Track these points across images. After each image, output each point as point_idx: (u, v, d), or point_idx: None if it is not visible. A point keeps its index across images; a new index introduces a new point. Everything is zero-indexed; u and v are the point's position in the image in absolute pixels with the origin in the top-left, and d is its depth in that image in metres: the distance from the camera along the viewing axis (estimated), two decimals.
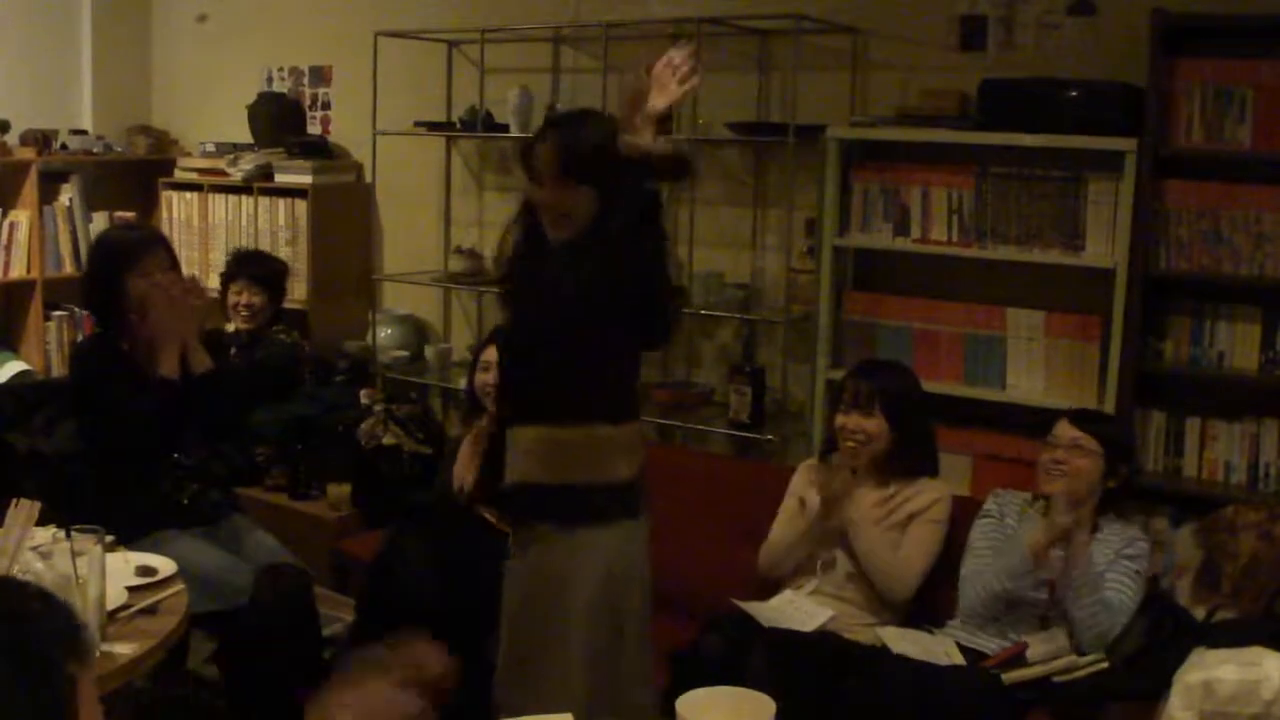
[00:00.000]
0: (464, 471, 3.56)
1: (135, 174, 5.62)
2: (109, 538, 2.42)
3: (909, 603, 3.16)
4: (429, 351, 4.91)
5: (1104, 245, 3.50)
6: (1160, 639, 2.85)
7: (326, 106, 5.38)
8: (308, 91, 5.42)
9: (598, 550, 2.62)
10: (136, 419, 3.14)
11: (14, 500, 2.39)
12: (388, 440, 4.25)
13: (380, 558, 3.32)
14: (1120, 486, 3.10)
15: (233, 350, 4.27)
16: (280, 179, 5.10)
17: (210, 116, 5.64)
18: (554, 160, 2.56)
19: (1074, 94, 3.46)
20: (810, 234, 4.01)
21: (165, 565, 2.73)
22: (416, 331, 5.07)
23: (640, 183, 2.49)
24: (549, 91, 4.61)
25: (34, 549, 2.32)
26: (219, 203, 5.29)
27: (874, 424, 3.20)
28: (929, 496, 3.20)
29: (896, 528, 3.19)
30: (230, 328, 4.56)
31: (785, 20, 3.95)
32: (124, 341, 3.23)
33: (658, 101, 2.47)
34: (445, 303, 5.09)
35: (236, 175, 5.18)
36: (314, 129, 5.36)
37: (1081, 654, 2.90)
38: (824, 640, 2.98)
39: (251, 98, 5.36)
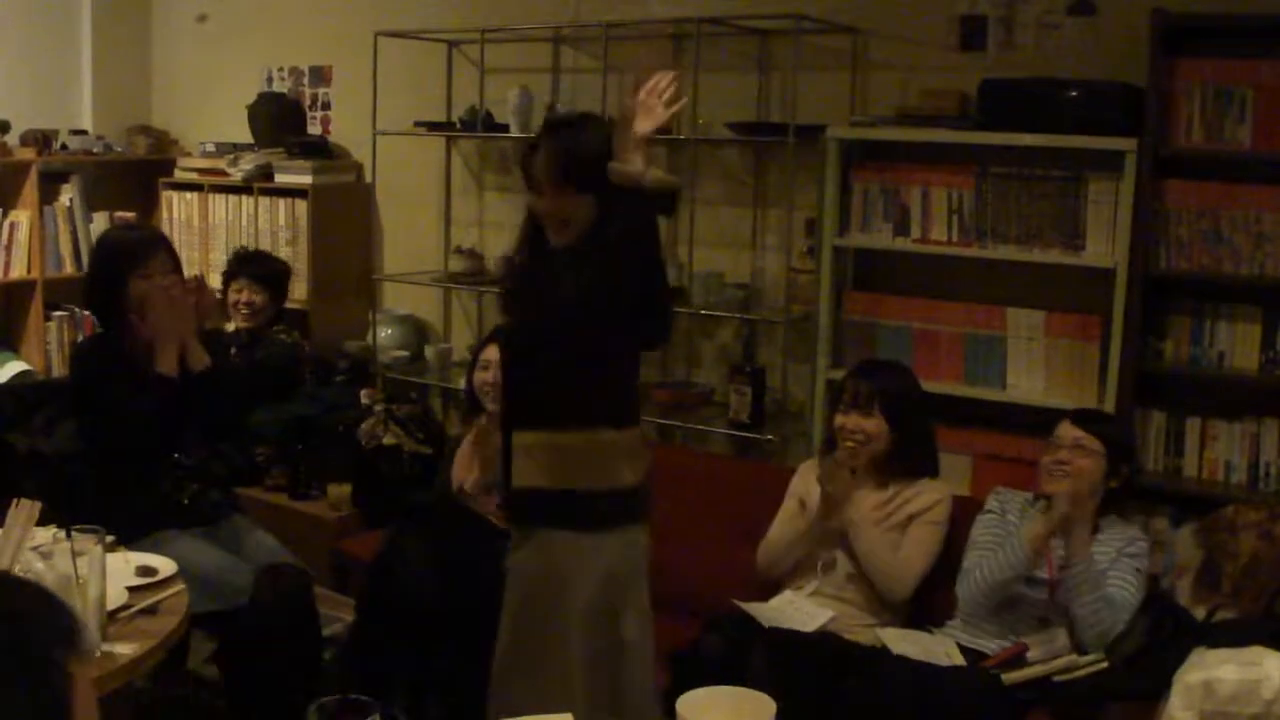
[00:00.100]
0: (464, 471, 3.56)
1: (135, 174, 5.62)
2: (109, 538, 2.42)
3: (909, 603, 3.16)
4: (429, 351, 4.92)
5: (1104, 245, 3.50)
6: (1160, 639, 2.85)
7: (326, 106, 5.38)
8: (308, 91, 5.42)
9: (601, 554, 2.62)
10: (136, 419, 3.14)
11: (14, 500, 2.39)
12: (388, 440, 4.25)
13: (380, 558, 3.32)
14: (1122, 487, 3.10)
15: (233, 350, 4.27)
16: (280, 179, 5.10)
17: (210, 116, 5.64)
18: (552, 167, 2.56)
19: (1074, 94, 3.46)
20: (810, 234, 4.01)
21: (165, 565, 2.72)
22: (416, 331, 5.07)
23: (633, 209, 2.49)
24: (549, 91, 4.61)
25: (34, 549, 2.32)
26: (219, 203, 5.29)
27: (873, 424, 3.20)
28: (929, 497, 3.21)
29: (897, 528, 3.19)
30: (230, 327, 4.56)
31: (785, 20, 3.95)
32: (125, 342, 3.23)
33: (644, 125, 2.46)
34: (445, 303, 5.09)
35: (237, 175, 5.18)
36: (314, 129, 5.36)
37: (1082, 654, 2.90)
38: (824, 641, 2.98)
39: (251, 98, 5.36)
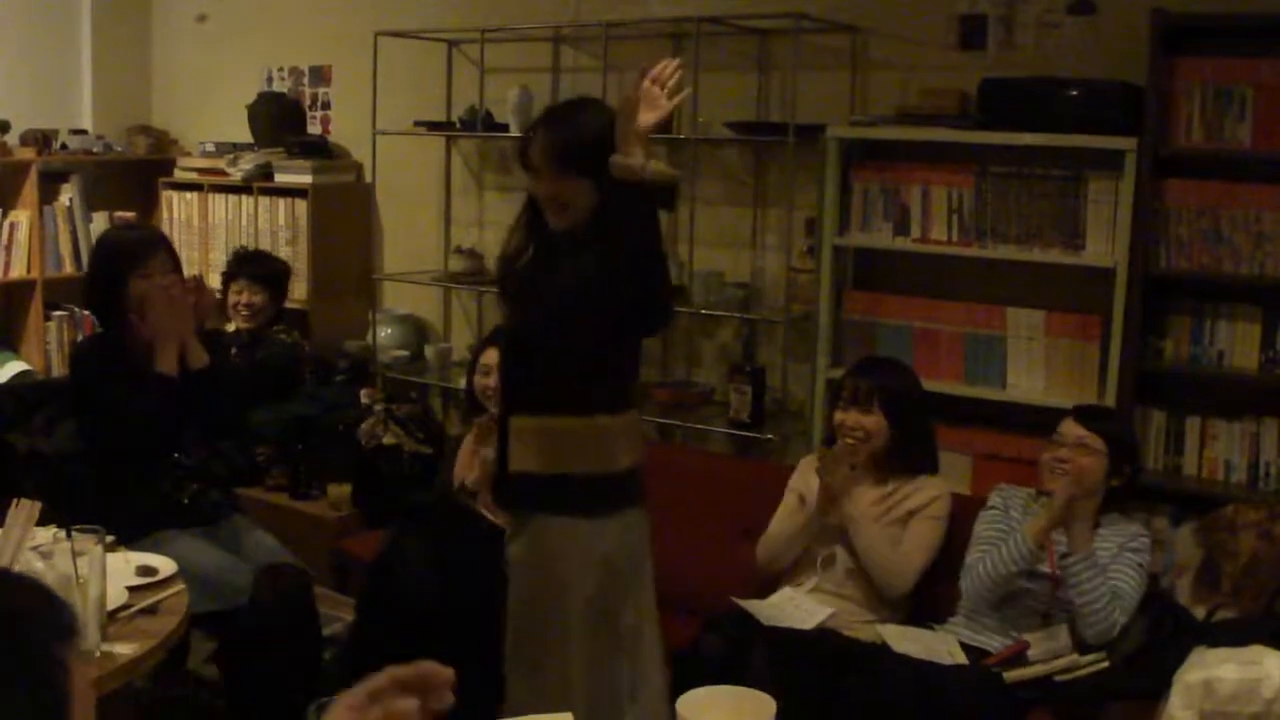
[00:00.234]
0: (464, 471, 3.56)
1: (135, 174, 5.62)
2: (109, 537, 2.42)
3: (909, 599, 3.16)
4: (429, 351, 4.92)
5: (1104, 244, 3.50)
6: (1160, 638, 2.85)
7: (326, 106, 5.38)
8: (308, 91, 5.42)
9: (599, 540, 2.61)
10: (136, 418, 3.14)
11: (14, 500, 2.39)
12: (388, 440, 4.25)
13: (380, 558, 3.32)
14: (1124, 485, 3.10)
15: (233, 350, 4.27)
16: (280, 179, 5.10)
17: (210, 116, 5.64)
18: (550, 151, 2.56)
19: (1074, 93, 3.46)
20: (810, 233, 4.01)
21: (165, 565, 2.72)
22: (416, 331, 5.07)
23: (633, 204, 2.48)
24: (549, 91, 4.61)
25: (34, 549, 2.32)
26: (219, 203, 5.29)
27: (873, 421, 3.20)
28: (928, 494, 3.21)
29: (896, 524, 3.19)
30: (231, 327, 4.56)
31: (785, 19, 3.95)
32: (125, 342, 3.23)
33: (647, 117, 2.43)
34: (445, 302, 5.09)
35: (236, 175, 5.18)
36: (314, 129, 5.36)
37: (1083, 652, 2.90)
38: (824, 638, 2.98)
39: (251, 97, 5.36)
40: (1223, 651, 2.44)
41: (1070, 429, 3.10)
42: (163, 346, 3.17)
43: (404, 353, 4.93)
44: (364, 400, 4.57)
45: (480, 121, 4.60)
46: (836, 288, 3.93)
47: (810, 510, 3.20)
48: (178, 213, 5.42)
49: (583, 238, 2.55)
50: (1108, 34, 3.61)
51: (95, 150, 5.47)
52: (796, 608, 3.13)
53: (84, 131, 5.52)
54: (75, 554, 2.25)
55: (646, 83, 2.45)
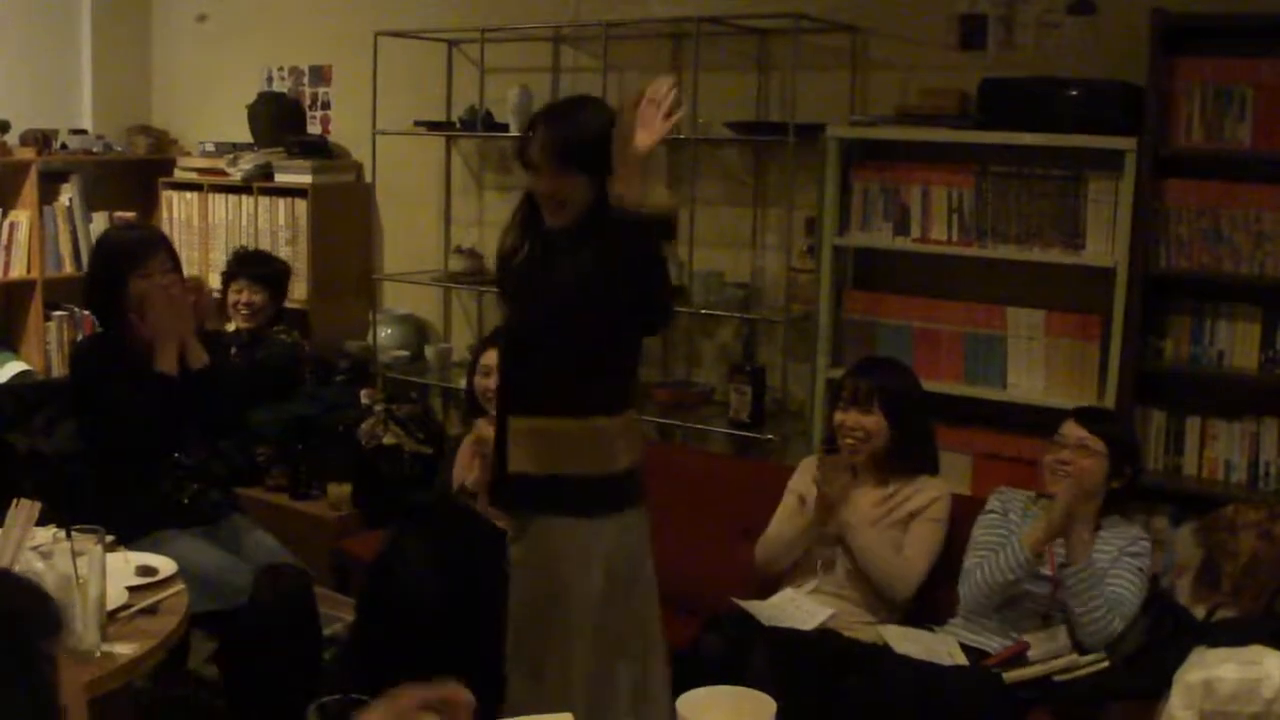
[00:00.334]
0: (464, 471, 3.56)
1: (135, 174, 5.62)
2: (109, 537, 2.42)
3: (910, 601, 3.16)
4: (429, 351, 4.92)
5: (1104, 244, 3.50)
6: (1160, 638, 2.85)
7: (326, 106, 5.38)
8: (307, 91, 5.42)
9: (599, 540, 2.60)
10: (136, 418, 3.14)
11: (14, 500, 2.39)
12: (388, 440, 4.25)
13: (380, 558, 3.32)
14: (1124, 487, 3.10)
15: (233, 350, 4.27)
16: (280, 179, 5.10)
17: (210, 116, 5.64)
18: (550, 148, 2.56)
19: (1074, 93, 3.46)
20: (810, 233, 4.01)
21: (165, 565, 2.72)
22: (417, 331, 5.07)
23: (636, 244, 2.46)
24: (549, 91, 4.61)
25: (34, 549, 2.32)
26: (219, 202, 5.29)
27: (872, 421, 3.20)
28: (929, 495, 3.21)
29: (897, 526, 3.19)
30: (231, 327, 4.56)
31: (785, 19, 3.95)
32: (125, 341, 3.23)
33: (644, 139, 2.41)
34: (445, 302, 5.09)
35: (236, 175, 5.18)
36: (314, 129, 5.36)
37: (1083, 653, 2.90)
38: (824, 639, 2.98)
39: (251, 97, 5.36)
40: (1223, 651, 2.44)
41: (1071, 430, 3.10)
42: (162, 346, 3.17)
43: (404, 353, 4.93)
44: (364, 400, 4.57)
45: (480, 121, 4.60)
46: (836, 287, 3.93)
47: (809, 513, 3.20)
48: (178, 213, 5.42)
49: (581, 235, 2.55)
50: (1108, 34, 3.61)
51: (95, 150, 5.46)
52: (797, 608, 3.13)
53: (84, 131, 5.52)
54: (75, 554, 2.25)
55: (643, 104, 2.42)
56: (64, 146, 5.38)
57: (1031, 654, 2.91)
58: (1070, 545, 2.93)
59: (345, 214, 5.11)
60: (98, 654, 2.28)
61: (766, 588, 3.27)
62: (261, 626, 3.07)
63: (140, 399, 3.14)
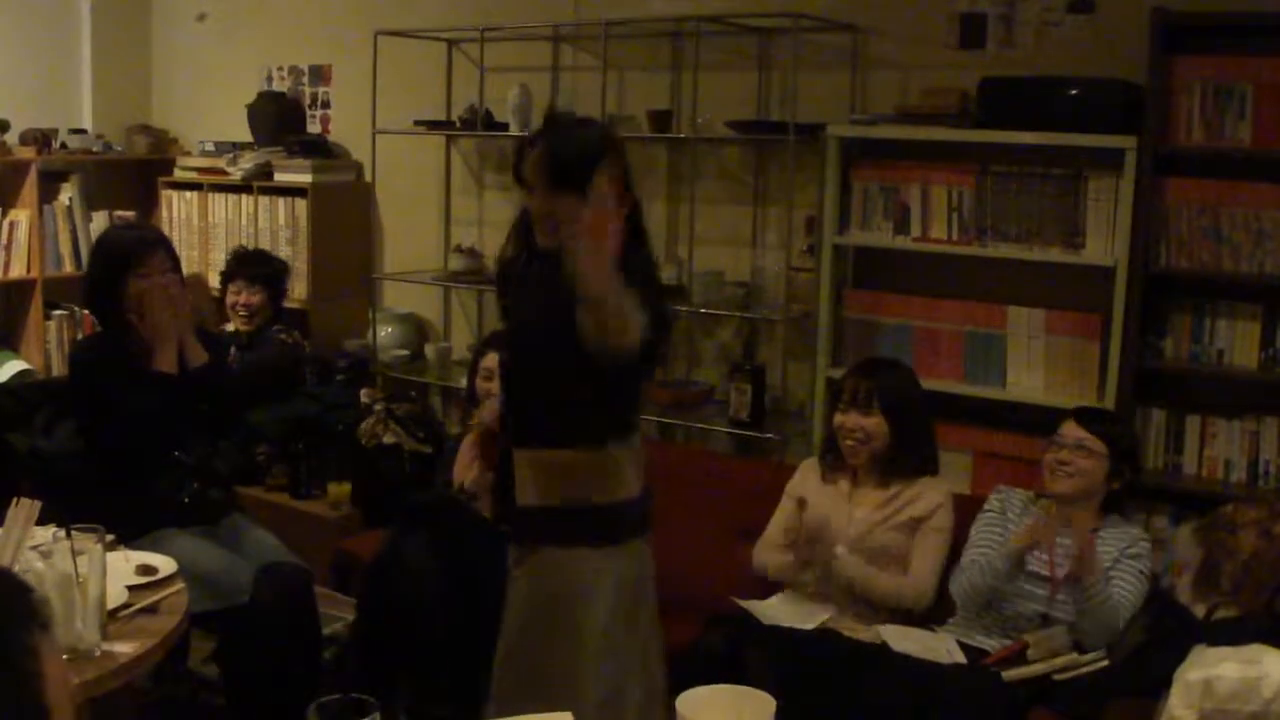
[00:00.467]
0: (464, 471, 3.56)
1: (135, 173, 5.62)
2: (109, 536, 2.42)
3: (926, 610, 3.15)
4: (429, 350, 4.92)
5: (1104, 243, 3.50)
6: (1160, 637, 2.85)
7: (326, 105, 5.38)
8: (307, 90, 5.42)
9: (607, 573, 2.57)
10: (136, 417, 3.14)
11: (14, 499, 2.39)
12: (388, 439, 4.25)
13: (380, 557, 3.32)
14: (1123, 487, 3.10)
15: (232, 350, 4.27)
16: (280, 178, 5.10)
17: (210, 116, 5.64)
18: (543, 167, 2.53)
19: (1074, 92, 3.46)
20: (810, 232, 4.01)
21: (165, 564, 2.72)
22: (417, 330, 5.07)
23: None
24: (549, 90, 4.61)
25: (34, 548, 2.31)
26: (219, 202, 5.29)
27: (873, 422, 3.20)
28: (931, 500, 3.19)
29: (899, 529, 3.18)
30: (231, 328, 4.57)
31: (785, 18, 3.95)
32: (124, 341, 3.23)
33: (599, 244, 2.23)
34: (445, 301, 5.09)
35: (236, 174, 5.18)
36: (314, 128, 5.36)
37: (1082, 652, 2.90)
38: (824, 638, 2.98)
39: (251, 97, 5.36)
40: (1222, 650, 2.44)
41: (1071, 430, 3.10)
42: (161, 345, 3.17)
43: (404, 352, 4.93)
44: (364, 400, 4.57)
45: (480, 120, 4.60)
46: (836, 287, 3.93)
47: (799, 548, 3.21)
48: (177, 212, 5.42)
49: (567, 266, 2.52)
50: (1108, 32, 3.61)
51: (95, 150, 5.46)
52: (797, 608, 3.13)
53: (84, 131, 5.52)
54: (75, 553, 2.25)
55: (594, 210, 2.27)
56: (64, 146, 5.38)
57: (1031, 653, 2.91)
58: (1088, 567, 2.92)
59: (345, 213, 5.11)
60: (98, 653, 2.28)
61: (766, 587, 3.27)
62: (261, 626, 3.07)
63: (139, 398, 3.14)
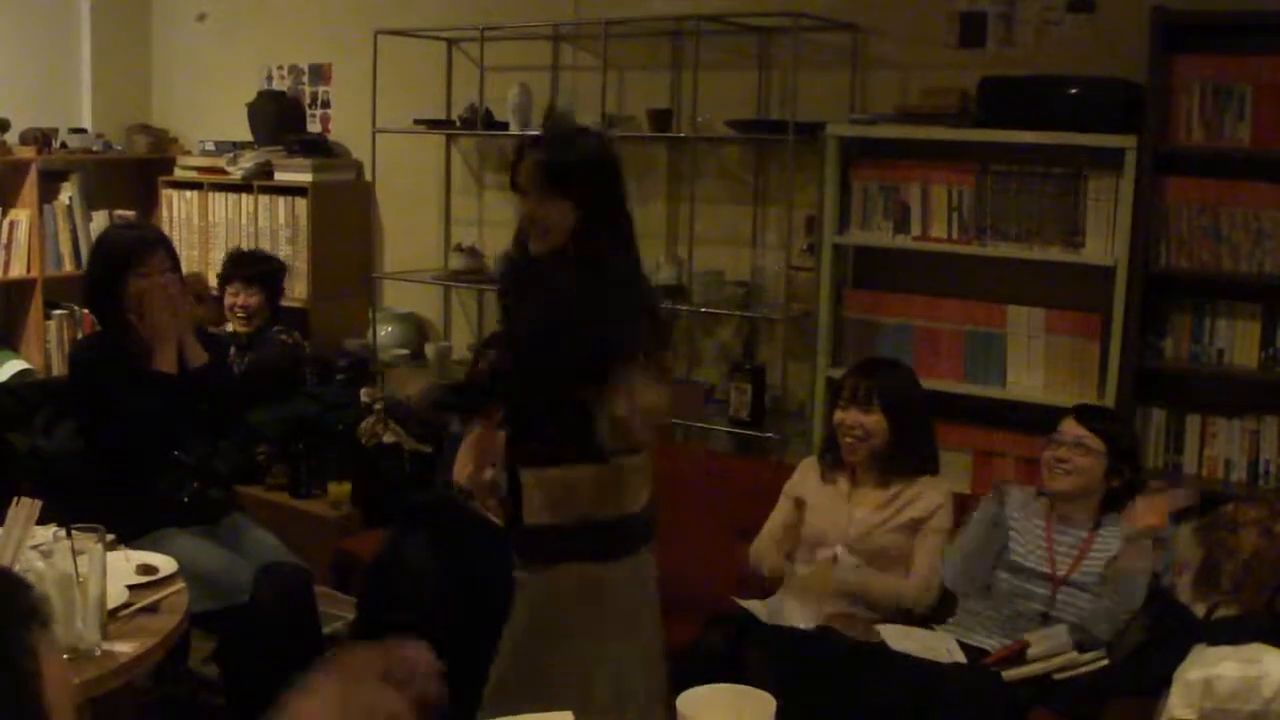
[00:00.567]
0: (464, 469, 3.55)
1: (135, 172, 5.62)
2: (109, 536, 2.42)
3: (929, 609, 3.16)
4: (429, 350, 4.91)
5: (1104, 242, 3.50)
6: (1160, 636, 2.85)
7: (326, 105, 5.38)
8: (307, 90, 5.42)
9: (612, 584, 2.57)
10: (136, 417, 3.14)
11: (14, 499, 2.39)
12: (388, 439, 4.25)
13: (380, 556, 3.32)
14: (1123, 486, 3.10)
15: (231, 350, 4.27)
16: (280, 177, 5.10)
17: (210, 115, 5.64)
18: (533, 171, 2.54)
19: (1074, 91, 3.46)
20: (810, 231, 4.01)
21: (166, 564, 2.72)
22: (417, 330, 5.07)
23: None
24: (549, 89, 4.61)
25: (34, 547, 2.32)
26: (219, 201, 5.29)
27: (873, 420, 3.20)
28: (932, 501, 3.19)
29: (900, 530, 3.18)
30: (230, 329, 4.56)
31: (785, 18, 3.95)
32: (124, 340, 3.23)
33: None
34: (445, 301, 5.08)
35: (236, 174, 5.18)
36: (314, 127, 5.36)
37: (1082, 651, 2.90)
38: (824, 637, 2.98)
39: (251, 96, 5.36)
40: (1223, 649, 2.44)
41: (1070, 428, 3.10)
42: (161, 345, 3.17)
43: (404, 351, 4.93)
44: (364, 399, 4.57)
45: (480, 120, 4.60)
46: (836, 286, 3.93)
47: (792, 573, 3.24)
48: (178, 211, 5.42)
49: (568, 264, 2.53)
50: (1107, 32, 3.61)
51: (95, 149, 5.46)
52: (797, 607, 3.13)
53: (84, 130, 5.52)
54: (75, 553, 2.25)
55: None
56: (64, 145, 5.37)
57: (1031, 652, 2.91)
58: (1126, 562, 2.93)
59: (345, 212, 5.11)
60: (98, 653, 2.28)
61: (766, 586, 3.27)
62: (261, 626, 3.07)
63: (139, 398, 3.14)
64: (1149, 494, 3.03)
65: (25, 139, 5.25)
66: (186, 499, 3.29)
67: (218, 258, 5.12)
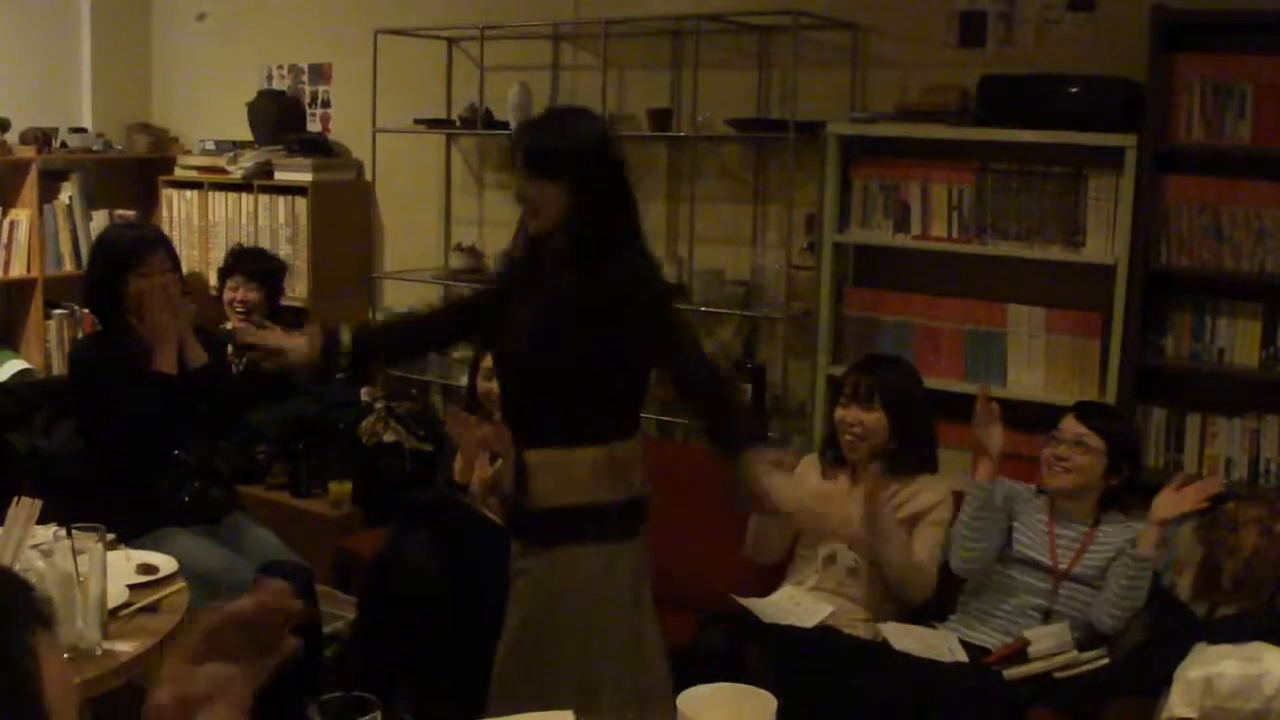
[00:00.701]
0: (463, 469, 3.55)
1: (135, 172, 5.62)
2: (110, 536, 2.42)
3: (923, 602, 3.15)
4: None
5: (1104, 241, 3.50)
6: (1161, 635, 2.85)
7: (326, 104, 5.38)
8: (307, 89, 5.42)
9: (617, 567, 2.58)
10: (136, 416, 3.14)
11: (14, 499, 2.39)
12: (388, 438, 4.25)
13: (381, 555, 3.32)
14: (1122, 484, 3.10)
15: (230, 349, 4.26)
16: (280, 176, 5.10)
17: (210, 114, 5.64)
18: (524, 152, 2.55)
19: (1074, 90, 3.45)
20: (810, 230, 4.01)
21: (166, 563, 2.73)
22: None
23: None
24: (549, 88, 4.61)
25: (35, 547, 2.32)
26: (219, 200, 5.29)
27: (873, 417, 3.20)
28: (931, 497, 3.19)
29: (900, 526, 3.18)
30: (229, 325, 4.56)
31: (785, 16, 3.95)
32: (124, 340, 3.23)
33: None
34: (446, 300, 5.08)
35: (236, 173, 5.18)
36: (314, 126, 5.36)
37: (1083, 649, 2.90)
38: (825, 636, 2.98)
39: (251, 95, 5.35)
40: (1223, 648, 2.45)
41: (1070, 426, 3.10)
42: (161, 345, 3.17)
43: None
44: (364, 398, 4.57)
45: (480, 119, 4.60)
46: (837, 285, 3.93)
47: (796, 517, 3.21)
48: (178, 211, 5.42)
49: (567, 258, 2.53)
50: (1108, 30, 3.61)
51: (95, 148, 5.46)
52: (797, 605, 3.13)
53: (84, 130, 5.52)
54: (76, 552, 2.25)
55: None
56: (64, 145, 5.37)
57: (1031, 651, 2.91)
58: (1147, 539, 2.93)
59: (345, 212, 5.11)
60: (99, 652, 2.29)
61: (767, 584, 3.26)
62: None
63: (139, 398, 3.14)
64: (1178, 483, 3.02)
65: (25, 138, 5.25)
66: (187, 498, 3.29)
67: (218, 257, 5.11)
